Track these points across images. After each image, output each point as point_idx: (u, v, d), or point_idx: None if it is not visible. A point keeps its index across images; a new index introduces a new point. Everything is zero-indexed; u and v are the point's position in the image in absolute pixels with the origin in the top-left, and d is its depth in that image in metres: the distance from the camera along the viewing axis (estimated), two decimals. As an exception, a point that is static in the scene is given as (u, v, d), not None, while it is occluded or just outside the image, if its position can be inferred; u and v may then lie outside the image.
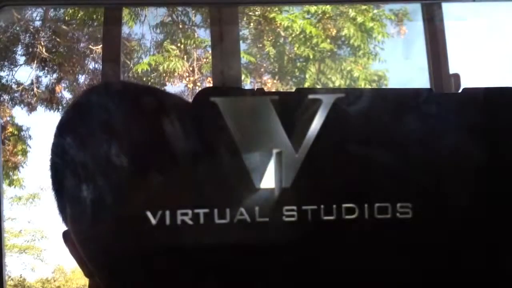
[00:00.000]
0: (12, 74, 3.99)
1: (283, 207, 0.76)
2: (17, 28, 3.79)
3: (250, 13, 3.85)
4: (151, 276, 0.75)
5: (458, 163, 0.77)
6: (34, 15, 3.79)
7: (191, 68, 3.86)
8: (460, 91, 0.79)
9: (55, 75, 3.98)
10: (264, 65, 3.99)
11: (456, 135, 0.77)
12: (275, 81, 3.99)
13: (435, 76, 1.57)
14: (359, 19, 3.82)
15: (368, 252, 0.77)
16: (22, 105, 4.02)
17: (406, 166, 0.78)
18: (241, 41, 3.60)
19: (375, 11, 3.82)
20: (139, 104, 0.78)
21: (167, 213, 0.73)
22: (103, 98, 0.78)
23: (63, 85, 4.01)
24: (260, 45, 3.96)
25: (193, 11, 3.77)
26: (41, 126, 4.04)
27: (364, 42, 3.82)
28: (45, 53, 3.84)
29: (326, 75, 3.83)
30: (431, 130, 0.77)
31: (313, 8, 3.76)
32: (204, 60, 3.85)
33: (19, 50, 3.93)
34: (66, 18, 3.79)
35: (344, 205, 0.76)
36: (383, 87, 3.94)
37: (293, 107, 0.77)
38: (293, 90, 0.80)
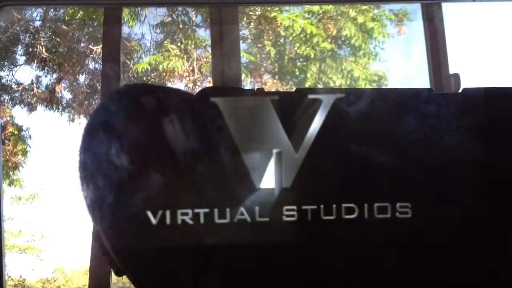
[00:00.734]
0: (12, 74, 3.99)
1: (283, 207, 0.76)
2: (17, 28, 3.79)
3: (250, 13, 3.85)
4: (177, 274, 0.75)
5: (458, 163, 0.77)
6: (34, 15, 3.79)
7: (191, 68, 3.86)
8: (460, 91, 0.79)
9: (55, 75, 3.98)
10: (264, 65, 3.99)
11: (456, 135, 0.77)
12: (275, 81, 3.99)
13: (435, 76, 1.57)
14: (360, 19, 3.82)
15: (368, 252, 0.77)
16: (22, 105, 4.02)
17: (406, 166, 0.78)
18: (241, 41, 3.60)
19: (376, 11, 3.82)
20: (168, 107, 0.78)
21: (167, 212, 0.73)
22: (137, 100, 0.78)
23: (63, 85, 4.01)
24: (260, 45, 3.97)
25: (193, 11, 3.77)
26: (41, 126, 4.05)
27: (365, 42, 3.82)
28: (45, 53, 3.84)
29: (327, 75, 3.83)
30: (431, 130, 0.77)
31: (314, 8, 3.76)
32: (204, 60, 3.85)
33: (19, 50, 3.93)
34: (66, 18, 3.79)
35: (344, 205, 0.76)
36: (383, 87, 3.94)
37: (293, 107, 0.77)
38: (293, 90, 0.80)
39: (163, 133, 0.75)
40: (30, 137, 4.03)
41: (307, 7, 3.64)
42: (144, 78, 3.87)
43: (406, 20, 3.85)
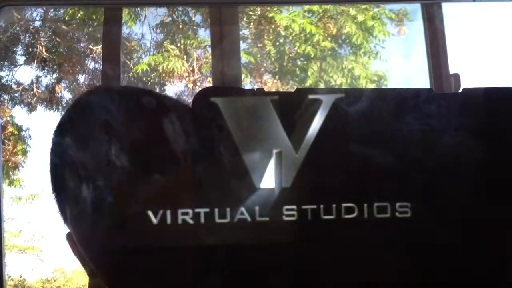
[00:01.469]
0: (12, 74, 3.99)
1: (283, 206, 0.76)
2: (17, 28, 3.79)
3: (250, 13, 3.85)
4: (151, 275, 0.75)
5: (458, 163, 0.77)
6: (34, 15, 3.79)
7: (191, 68, 3.86)
8: (460, 91, 0.79)
9: (55, 75, 3.98)
10: (264, 64, 3.99)
11: (456, 135, 0.77)
12: (275, 81, 3.99)
13: (435, 76, 1.57)
14: (360, 17, 3.82)
15: (368, 252, 0.77)
16: (22, 105, 4.02)
17: (406, 166, 0.78)
18: (241, 41, 3.60)
19: (376, 9, 3.82)
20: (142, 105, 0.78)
21: (168, 212, 0.73)
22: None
23: (63, 85, 4.01)
24: (260, 45, 3.96)
25: (193, 11, 3.77)
26: (41, 126, 4.04)
27: (365, 40, 3.82)
28: (45, 53, 3.84)
29: (327, 74, 3.83)
30: (431, 130, 0.77)
31: (313, 7, 3.76)
32: (204, 60, 3.85)
33: (19, 50, 3.93)
34: (66, 18, 3.79)
35: (344, 205, 0.76)
36: (383, 87, 3.94)
37: (293, 107, 0.77)
38: (293, 90, 0.80)
39: (162, 132, 0.75)
40: (30, 137, 4.03)
41: (307, 6, 3.64)
42: (144, 79, 3.87)
43: (406, 20, 3.85)
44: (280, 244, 0.77)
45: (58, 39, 3.84)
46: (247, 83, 3.80)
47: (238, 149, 0.76)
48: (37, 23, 3.88)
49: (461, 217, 0.77)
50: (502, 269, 0.77)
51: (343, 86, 3.69)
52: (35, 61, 3.88)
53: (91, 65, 3.91)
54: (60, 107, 3.99)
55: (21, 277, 3.97)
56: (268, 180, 0.76)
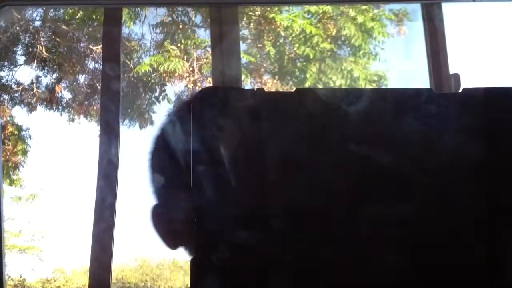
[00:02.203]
0: (12, 74, 3.99)
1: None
2: (17, 28, 3.79)
3: (250, 13, 3.85)
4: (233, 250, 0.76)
5: (458, 163, 0.77)
6: (34, 15, 3.79)
7: (191, 68, 3.86)
8: (460, 91, 0.79)
9: (55, 75, 3.98)
10: (264, 65, 4.00)
11: (456, 135, 0.77)
12: (275, 81, 3.99)
13: (435, 76, 1.57)
14: (359, 19, 3.82)
15: (368, 252, 0.77)
16: (22, 105, 4.03)
17: (405, 166, 0.78)
18: (241, 41, 3.60)
19: (375, 11, 3.82)
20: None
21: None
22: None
23: (63, 85, 4.02)
24: (260, 45, 3.97)
25: (193, 11, 3.77)
26: (41, 126, 4.05)
27: (364, 41, 3.82)
28: (45, 53, 3.84)
29: (326, 75, 3.84)
30: (431, 130, 0.77)
31: (313, 8, 3.76)
32: (204, 60, 3.85)
33: (19, 50, 3.93)
34: (66, 18, 3.79)
35: (344, 205, 0.76)
36: (383, 87, 3.94)
37: (293, 107, 0.77)
38: (293, 90, 0.80)
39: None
40: (30, 137, 4.04)
41: (307, 7, 3.64)
42: (145, 79, 3.87)
43: (406, 20, 3.85)
44: (280, 244, 0.77)
45: (58, 39, 3.84)
46: (247, 83, 3.81)
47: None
48: (37, 23, 3.88)
49: (461, 217, 0.77)
50: (502, 268, 0.77)
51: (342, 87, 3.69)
52: (35, 61, 3.88)
53: (91, 65, 3.91)
54: (60, 107, 4.00)
55: (21, 277, 3.98)
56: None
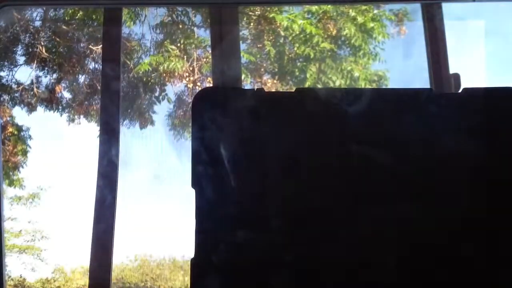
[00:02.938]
0: (12, 74, 3.99)
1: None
2: (17, 28, 3.79)
3: (250, 13, 3.85)
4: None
5: (458, 162, 0.77)
6: (34, 15, 3.79)
7: (191, 68, 3.86)
8: (460, 91, 0.79)
9: (55, 75, 3.98)
10: (264, 65, 3.99)
11: (456, 135, 0.77)
12: (275, 81, 3.99)
13: (435, 76, 1.57)
14: (360, 19, 3.82)
15: (368, 252, 0.77)
16: (22, 105, 4.02)
17: (406, 165, 0.78)
18: (241, 41, 3.60)
19: (376, 11, 3.82)
20: None
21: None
22: None
23: (63, 85, 4.01)
24: (260, 45, 3.97)
25: (193, 11, 3.77)
26: (41, 126, 4.05)
27: (364, 42, 3.82)
28: (45, 53, 3.84)
29: (326, 75, 3.83)
30: (431, 129, 0.77)
31: (313, 8, 3.76)
32: (204, 60, 3.85)
33: (19, 50, 3.93)
34: (66, 18, 3.79)
35: (344, 205, 0.76)
36: (383, 87, 3.94)
37: (293, 107, 0.77)
38: (293, 90, 0.80)
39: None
40: (30, 137, 4.04)
41: (307, 7, 3.64)
42: (145, 79, 3.87)
43: (406, 20, 3.85)
44: (280, 244, 0.77)
45: (58, 39, 3.84)
46: (247, 83, 3.80)
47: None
48: (37, 23, 3.88)
49: (461, 216, 0.77)
50: (501, 268, 0.77)
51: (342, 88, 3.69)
52: (35, 61, 3.88)
53: (91, 65, 3.91)
54: (60, 107, 4.00)
55: (21, 277, 3.98)
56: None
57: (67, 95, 4.02)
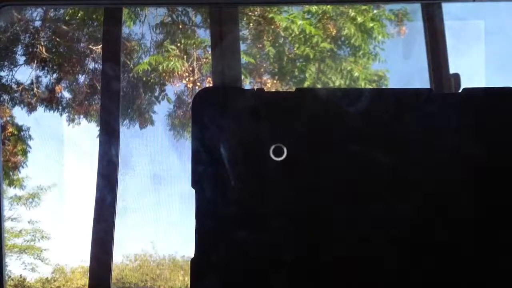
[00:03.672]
0: (12, 74, 3.99)
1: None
2: (17, 28, 3.79)
3: (250, 13, 3.85)
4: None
5: (458, 163, 0.77)
6: (34, 15, 3.79)
7: (191, 68, 3.86)
8: (460, 91, 0.79)
9: (55, 75, 3.98)
10: (264, 65, 4.00)
11: (456, 135, 0.77)
12: (275, 81, 3.99)
13: (435, 76, 1.57)
14: (359, 19, 3.82)
15: (368, 252, 0.77)
16: (22, 105, 4.02)
17: (405, 166, 0.78)
18: (241, 41, 3.60)
19: (375, 11, 3.82)
20: None
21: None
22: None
23: (63, 85, 4.01)
24: (260, 45, 3.97)
25: (193, 11, 3.77)
26: (41, 126, 4.05)
27: (364, 42, 3.82)
28: (45, 53, 3.84)
29: (326, 75, 3.84)
30: (431, 130, 0.77)
31: (313, 8, 3.76)
32: (204, 60, 3.85)
33: (19, 50, 3.93)
34: (66, 18, 3.79)
35: (344, 205, 0.76)
36: (383, 87, 3.94)
37: (293, 107, 0.77)
38: (293, 90, 0.80)
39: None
40: (30, 137, 4.04)
41: (306, 7, 3.64)
42: (144, 79, 3.87)
43: (406, 20, 3.85)
44: (279, 243, 0.77)
45: (58, 39, 3.84)
46: (247, 84, 3.80)
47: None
48: (37, 23, 3.88)
49: (461, 217, 0.77)
50: (501, 268, 0.77)
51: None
52: (35, 61, 3.88)
53: (91, 65, 3.91)
54: (60, 107, 4.00)
55: (21, 277, 3.98)
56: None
57: (67, 95, 4.03)
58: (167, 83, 3.90)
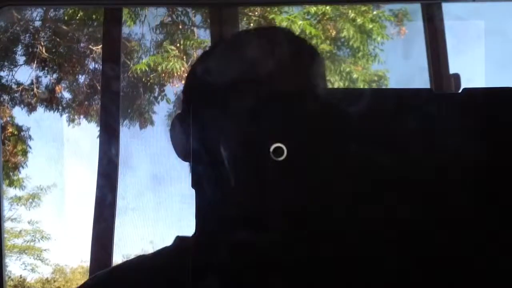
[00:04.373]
0: (12, 74, 3.99)
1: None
2: (17, 28, 3.79)
3: (250, 14, 3.85)
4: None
5: (458, 163, 0.77)
6: (34, 15, 3.79)
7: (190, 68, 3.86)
8: (460, 91, 0.79)
9: (55, 75, 3.99)
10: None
11: (456, 135, 0.77)
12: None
13: (435, 76, 1.57)
14: (359, 20, 3.82)
15: (368, 252, 0.77)
16: (22, 105, 4.03)
17: (405, 166, 0.78)
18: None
19: (375, 12, 3.82)
20: None
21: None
22: None
23: (63, 85, 4.02)
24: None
25: (193, 12, 3.78)
26: (41, 126, 4.05)
27: (363, 43, 3.83)
28: (45, 53, 3.85)
29: (325, 76, 3.83)
30: (431, 130, 0.77)
31: (313, 9, 3.76)
32: (204, 60, 3.84)
33: (19, 50, 3.93)
34: (66, 18, 3.79)
35: (343, 205, 0.76)
36: (383, 87, 3.94)
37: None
38: (293, 90, 0.80)
39: None
40: (30, 137, 4.04)
41: (306, 7, 3.64)
42: (143, 79, 3.88)
43: (406, 20, 3.85)
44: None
45: (58, 39, 3.84)
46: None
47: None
48: (37, 23, 3.88)
49: (461, 217, 0.77)
50: (501, 269, 0.77)
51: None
52: (35, 61, 3.88)
53: (91, 65, 3.91)
54: (60, 107, 4.00)
55: (21, 277, 3.98)
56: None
57: (67, 95, 4.03)
58: (166, 83, 3.91)
